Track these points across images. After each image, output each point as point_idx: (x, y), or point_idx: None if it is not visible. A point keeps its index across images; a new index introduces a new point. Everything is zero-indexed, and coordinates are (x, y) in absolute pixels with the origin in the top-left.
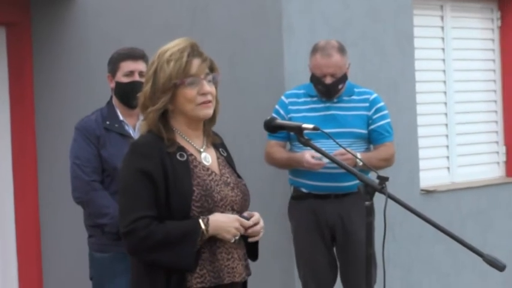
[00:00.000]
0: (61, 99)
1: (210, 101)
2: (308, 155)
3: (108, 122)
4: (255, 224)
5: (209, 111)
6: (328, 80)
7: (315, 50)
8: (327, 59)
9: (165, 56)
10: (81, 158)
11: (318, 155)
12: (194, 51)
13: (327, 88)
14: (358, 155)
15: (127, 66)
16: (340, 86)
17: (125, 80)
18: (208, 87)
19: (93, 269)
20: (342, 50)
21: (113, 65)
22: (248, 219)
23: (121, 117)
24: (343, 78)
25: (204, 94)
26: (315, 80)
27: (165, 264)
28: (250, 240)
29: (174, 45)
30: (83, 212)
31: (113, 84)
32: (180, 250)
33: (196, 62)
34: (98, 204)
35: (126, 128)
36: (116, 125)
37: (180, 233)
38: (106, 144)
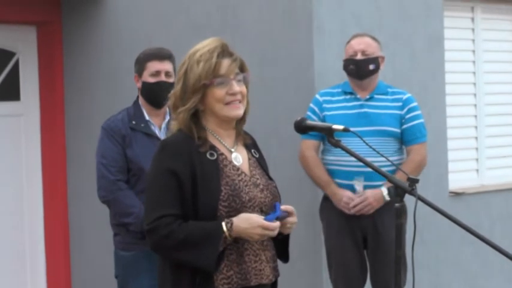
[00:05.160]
0: (91, 98)
1: (239, 101)
2: (346, 198)
3: (134, 122)
4: (288, 215)
5: (239, 112)
6: (359, 56)
7: (350, 39)
8: (359, 39)
9: (195, 56)
10: (107, 158)
11: (357, 199)
12: (224, 51)
13: (358, 65)
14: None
15: (153, 66)
16: (371, 67)
17: (151, 80)
18: (238, 87)
19: (118, 267)
20: (375, 38)
21: (140, 65)
22: (283, 216)
23: (147, 117)
24: (375, 60)
25: (233, 94)
26: (347, 61)
27: (187, 264)
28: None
29: (205, 45)
30: (109, 210)
31: (139, 84)
32: (201, 251)
33: (226, 63)
34: (123, 204)
35: (152, 127)
36: (142, 125)
37: (202, 235)
38: (132, 143)
